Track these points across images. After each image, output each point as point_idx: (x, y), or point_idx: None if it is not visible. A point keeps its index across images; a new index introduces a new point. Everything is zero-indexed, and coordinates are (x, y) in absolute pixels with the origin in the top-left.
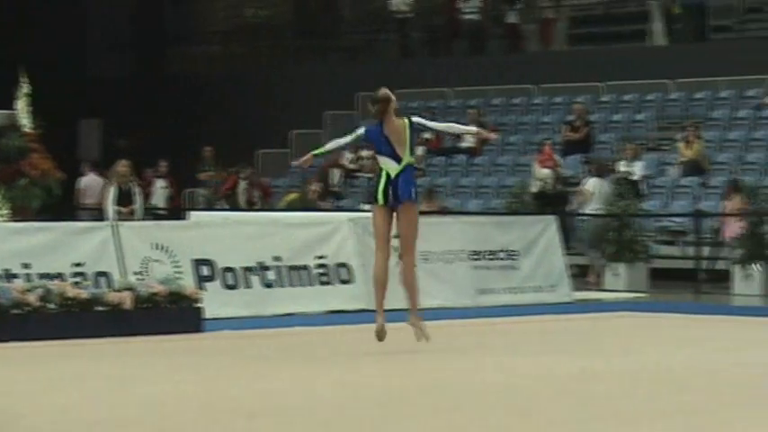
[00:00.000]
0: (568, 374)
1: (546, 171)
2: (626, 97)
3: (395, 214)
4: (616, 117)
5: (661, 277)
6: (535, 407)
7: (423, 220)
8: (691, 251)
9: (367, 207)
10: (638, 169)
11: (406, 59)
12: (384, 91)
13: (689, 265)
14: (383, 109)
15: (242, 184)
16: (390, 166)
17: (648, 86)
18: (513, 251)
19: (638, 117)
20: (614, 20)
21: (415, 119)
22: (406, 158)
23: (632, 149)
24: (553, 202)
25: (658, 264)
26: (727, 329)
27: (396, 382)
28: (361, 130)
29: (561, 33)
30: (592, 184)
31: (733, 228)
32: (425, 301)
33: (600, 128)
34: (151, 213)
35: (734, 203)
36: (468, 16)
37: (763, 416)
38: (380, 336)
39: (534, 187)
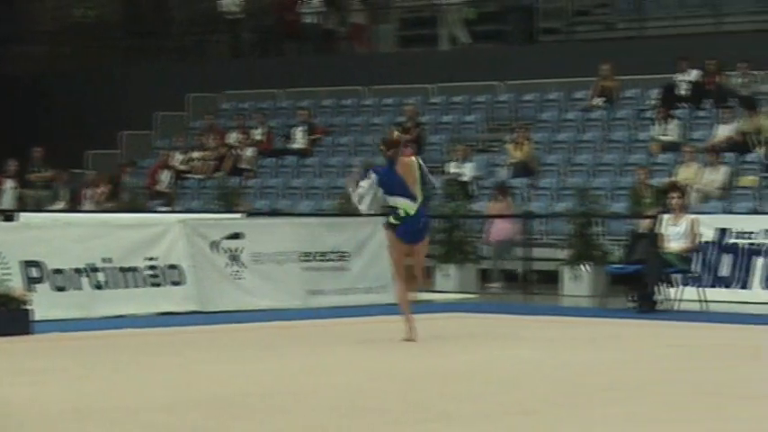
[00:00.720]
0: (400, 375)
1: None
2: (456, 99)
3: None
4: (446, 118)
5: (493, 278)
6: (368, 407)
7: (252, 220)
8: (520, 252)
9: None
10: (467, 170)
11: (237, 60)
12: (396, 134)
13: (519, 266)
14: (396, 152)
15: (8, 183)
16: (408, 205)
17: (478, 88)
18: (343, 252)
19: (468, 118)
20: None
21: (419, 161)
22: (420, 196)
23: (462, 151)
24: None
25: (489, 265)
26: (556, 330)
27: (231, 385)
28: (374, 176)
29: (391, 35)
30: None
31: (499, 230)
32: (255, 303)
33: (430, 129)
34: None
35: (500, 206)
36: (309, 19)
37: (591, 415)
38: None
39: None
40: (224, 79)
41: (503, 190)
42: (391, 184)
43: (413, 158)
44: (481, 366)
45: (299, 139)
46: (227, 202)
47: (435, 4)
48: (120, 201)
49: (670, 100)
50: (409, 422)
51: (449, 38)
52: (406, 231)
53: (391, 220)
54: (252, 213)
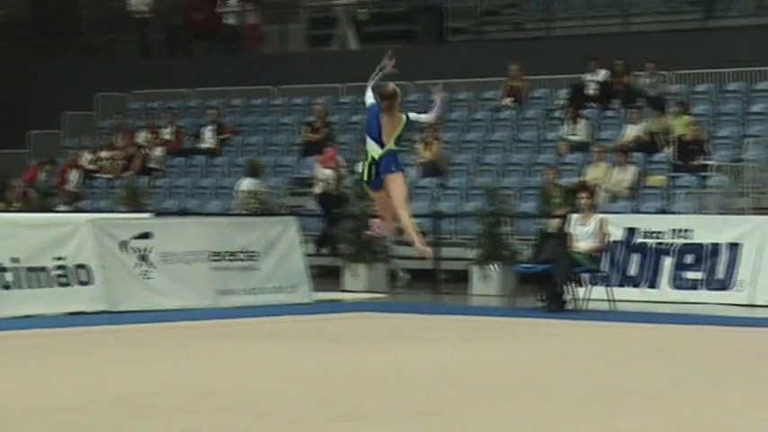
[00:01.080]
0: (309, 375)
1: (328, 172)
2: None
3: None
4: (355, 118)
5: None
6: (276, 407)
7: (161, 220)
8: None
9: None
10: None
11: (146, 60)
12: (392, 86)
13: (428, 265)
14: (390, 104)
15: None
16: (374, 150)
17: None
18: (253, 252)
19: None
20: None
21: (411, 115)
22: (389, 146)
23: None
24: (335, 202)
25: (398, 264)
26: (465, 329)
27: (139, 385)
28: (371, 100)
29: (300, 35)
30: (246, 184)
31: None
32: (164, 302)
33: (340, 129)
34: None
35: None
36: (229, 19)
37: (501, 415)
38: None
39: (317, 188)
40: (133, 79)
41: None
42: (371, 125)
43: (402, 116)
44: (391, 366)
45: (208, 139)
46: (136, 201)
47: (343, 5)
48: (13, 201)
49: (578, 100)
50: (318, 422)
51: (341, 39)
52: (368, 172)
53: (363, 177)
54: (161, 213)
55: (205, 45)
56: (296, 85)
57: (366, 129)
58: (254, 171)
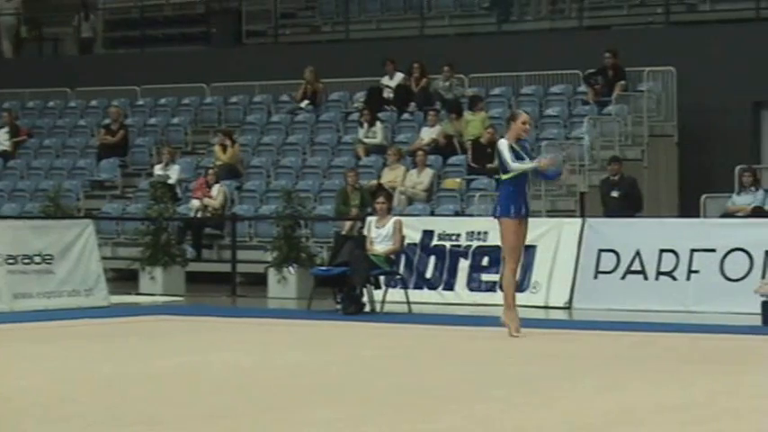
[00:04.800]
0: (106, 378)
1: (196, 202)
2: (162, 101)
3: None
4: (152, 120)
5: (198, 280)
6: (73, 411)
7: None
8: (227, 254)
9: None
10: (174, 173)
11: None
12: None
13: (226, 268)
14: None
15: None
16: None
17: (184, 90)
18: (48, 255)
19: (175, 121)
20: (151, 24)
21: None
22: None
23: (168, 153)
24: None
25: (195, 267)
26: (263, 332)
27: None
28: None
29: (97, 37)
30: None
31: None
32: None
33: (137, 131)
34: None
35: None
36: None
37: (298, 418)
38: None
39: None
40: None
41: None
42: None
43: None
44: (187, 369)
45: (3, 141)
46: None
47: (144, 6)
48: None
49: (375, 103)
50: (111, 426)
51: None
52: None
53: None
54: None
55: None
56: (92, 87)
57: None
58: None
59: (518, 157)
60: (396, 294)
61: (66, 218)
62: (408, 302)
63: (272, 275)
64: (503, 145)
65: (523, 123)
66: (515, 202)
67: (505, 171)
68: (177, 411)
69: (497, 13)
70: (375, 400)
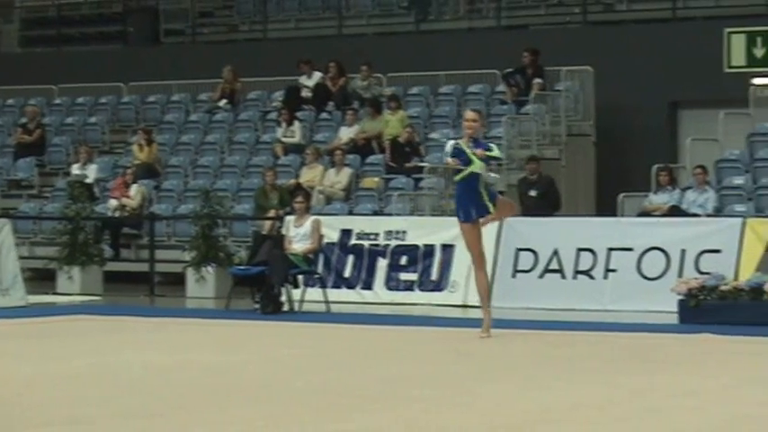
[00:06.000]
0: (23, 378)
1: (114, 202)
2: (80, 100)
3: None
4: (70, 120)
5: (116, 280)
6: None
7: None
8: (145, 254)
9: None
10: (91, 172)
11: None
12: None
13: (144, 268)
14: None
15: None
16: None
17: (102, 89)
18: None
19: (92, 120)
20: (68, 22)
21: None
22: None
23: (86, 152)
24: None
25: (113, 267)
26: (181, 332)
27: None
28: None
29: (13, 35)
30: None
31: None
32: None
33: (54, 131)
34: None
35: None
36: None
37: (216, 418)
38: None
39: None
40: None
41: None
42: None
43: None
44: (105, 369)
45: None
46: None
47: (61, 4)
48: None
49: (294, 102)
50: (28, 426)
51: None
52: None
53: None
54: None
55: None
56: (8, 86)
57: None
58: None
59: (453, 156)
60: (314, 294)
61: None
62: (327, 302)
63: (191, 275)
64: (448, 145)
65: (466, 121)
66: (464, 205)
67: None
68: (94, 411)
69: (415, 12)
70: (294, 400)
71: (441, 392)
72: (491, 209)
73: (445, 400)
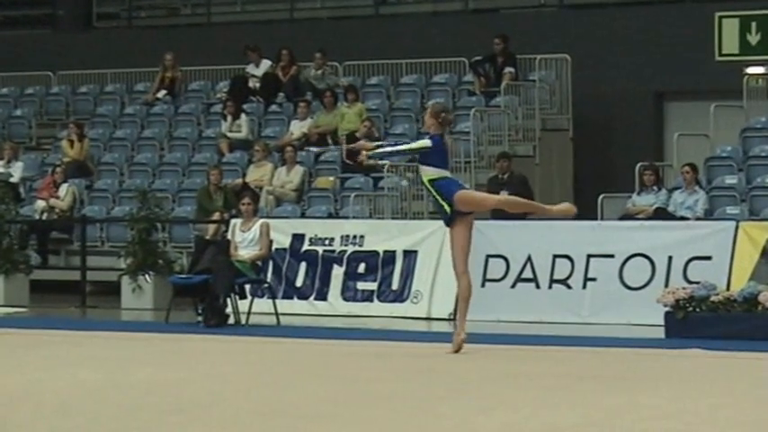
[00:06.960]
0: None
1: (41, 203)
2: (4, 90)
3: None
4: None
5: (44, 290)
6: None
7: None
8: (76, 261)
9: None
10: (16, 171)
11: None
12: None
13: (75, 276)
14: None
15: None
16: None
17: (28, 79)
18: None
19: (18, 113)
20: None
21: None
22: None
23: (11, 149)
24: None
25: (41, 275)
26: (116, 346)
27: None
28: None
29: None
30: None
31: None
32: None
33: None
34: None
35: None
36: None
37: None
38: None
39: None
40: None
41: None
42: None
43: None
44: (31, 389)
45: None
46: None
47: None
48: None
49: (240, 93)
50: None
51: None
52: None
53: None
54: None
55: None
56: None
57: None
58: None
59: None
60: (263, 305)
61: None
62: (277, 314)
63: (126, 284)
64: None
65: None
66: (440, 208)
67: None
68: None
69: None
70: (239, 422)
71: (398, 413)
72: (447, 209)
73: (402, 422)
